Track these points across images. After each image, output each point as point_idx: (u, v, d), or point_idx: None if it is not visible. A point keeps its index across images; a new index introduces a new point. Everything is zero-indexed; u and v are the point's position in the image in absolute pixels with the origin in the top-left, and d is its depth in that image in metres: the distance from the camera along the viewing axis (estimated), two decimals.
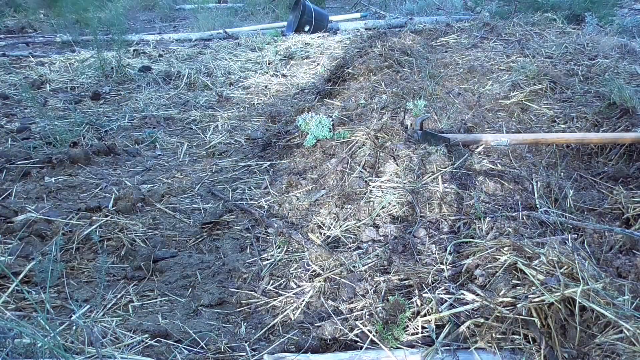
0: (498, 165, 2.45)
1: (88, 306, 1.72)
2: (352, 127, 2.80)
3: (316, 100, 3.59)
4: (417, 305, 1.62)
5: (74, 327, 1.59)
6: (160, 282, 1.88)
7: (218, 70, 4.74)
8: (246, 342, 1.59)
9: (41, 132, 3.20)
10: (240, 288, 1.85)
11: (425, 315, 1.58)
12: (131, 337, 1.58)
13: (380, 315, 1.59)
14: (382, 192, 2.24)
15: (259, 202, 2.41)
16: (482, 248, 1.80)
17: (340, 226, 2.13)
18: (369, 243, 1.99)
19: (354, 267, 1.85)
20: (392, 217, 2.13)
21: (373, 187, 2.29)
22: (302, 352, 1.51)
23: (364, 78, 3.68)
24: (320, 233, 2.12)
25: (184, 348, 1.55)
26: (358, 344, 1.55)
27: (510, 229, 1.92)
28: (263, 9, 8.62)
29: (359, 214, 2.18)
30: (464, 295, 1.63)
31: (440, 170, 2.29)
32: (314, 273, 1.88)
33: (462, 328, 1.51)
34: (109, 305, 1.76)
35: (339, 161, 2.53)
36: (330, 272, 1.85)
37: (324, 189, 2.41)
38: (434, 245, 1.95)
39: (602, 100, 3.03)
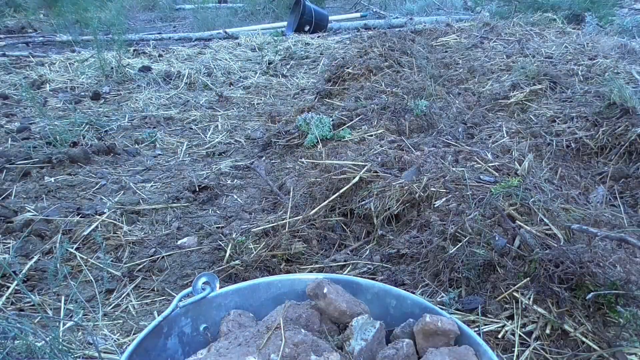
0: (497, 164, 2.44)
1: (89, 306, 1.72)
2: (353, 127, 2.80)
3: (316, 100, 3.59)
4: None
5: (75, 328, 1.59)
6: (160, 281, 1.88)
7: (218, 70, 4.74)
8: None
9: (41, 132, 3.20)
10: None
11: None
12: (132, 338, 1.58)
13: None
14: (383, 190, 2.24)
15: None
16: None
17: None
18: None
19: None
20: (390, 216, 2.13)
21: (374, 188, 2.28)
22: None
23: (364, 78, 3.68)
24: None
25: None
26: None
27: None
28: (263, 9, 8.62)
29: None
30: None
31: (440, 172, 2.29)
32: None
33: None
34: (109, 306, 1.76)
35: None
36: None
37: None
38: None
39: (602, 100, 3.03)
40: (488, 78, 3.68)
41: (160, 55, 5.30)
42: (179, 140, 3.30)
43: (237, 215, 2.29)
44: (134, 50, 5.47)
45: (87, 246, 2.08)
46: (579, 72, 3.58)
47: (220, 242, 2.03)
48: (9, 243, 2.04)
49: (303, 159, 2.59)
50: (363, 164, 2.33)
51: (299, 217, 2.11)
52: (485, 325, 1.52)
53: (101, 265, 1.92)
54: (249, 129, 3.44)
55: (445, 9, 7.44)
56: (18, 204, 2.35)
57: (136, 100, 4.01)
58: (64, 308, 1.71)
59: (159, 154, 3.09)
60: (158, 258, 2.00)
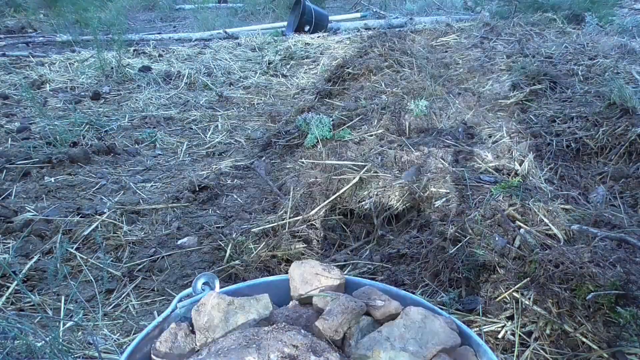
0: (497, 164, 2.44)
1: (89, 306, 1.72)
2: (353, 127, 2.80)
3: (316, 100, 3.59)
4: None
5: (75, 328, 1.59)
6: (160, 281, 1.88)
7: (218, 70, 4.74)
8: None
9: (41, 132, 3.20)
10: None
11: None
12: (132, 338, 1.58)
13: None
14: (383, 190, 2.24)
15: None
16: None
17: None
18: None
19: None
20: (390, 216, 2.13)
21: (374, 188, 2.29)
22: None
23: (364, 78, 3.68)
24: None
25: None
26: None
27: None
28: (263, 9, 8.62)
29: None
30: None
31: (440, 172, 2.29)
32: None
33: None
34: (109, 305, 1.76)
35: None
36: None
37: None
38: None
39: (602, 100, 3.03)
40: (488, 78, 3.68)
41: (160, 55, 5.30)
42: (179, 140, 3.30)
43: (237, 215, 2.29)
44: (134, 50, 5.46)
45: (87, 246, 2.08)
46: (579, 72, 3.58)
47: (220, 242, 2.03)
48: (9, 243, 2.04)
49: (303, 159, 2.59)
50: (363, 164, 2.33)
51: (299, 217, 2.12)
52: (485, 325, 1.52)
53: (101, 265, 1.92)
54: (249, 129, 3.44)
55: (445, 9, 7.44)
56: (18, 204, 2.35)
57: (136, 100, 4.01)
58: (64, 308, 1.71)
59: (159, 154, 3.09)
60: (158, 258, 2.00)
